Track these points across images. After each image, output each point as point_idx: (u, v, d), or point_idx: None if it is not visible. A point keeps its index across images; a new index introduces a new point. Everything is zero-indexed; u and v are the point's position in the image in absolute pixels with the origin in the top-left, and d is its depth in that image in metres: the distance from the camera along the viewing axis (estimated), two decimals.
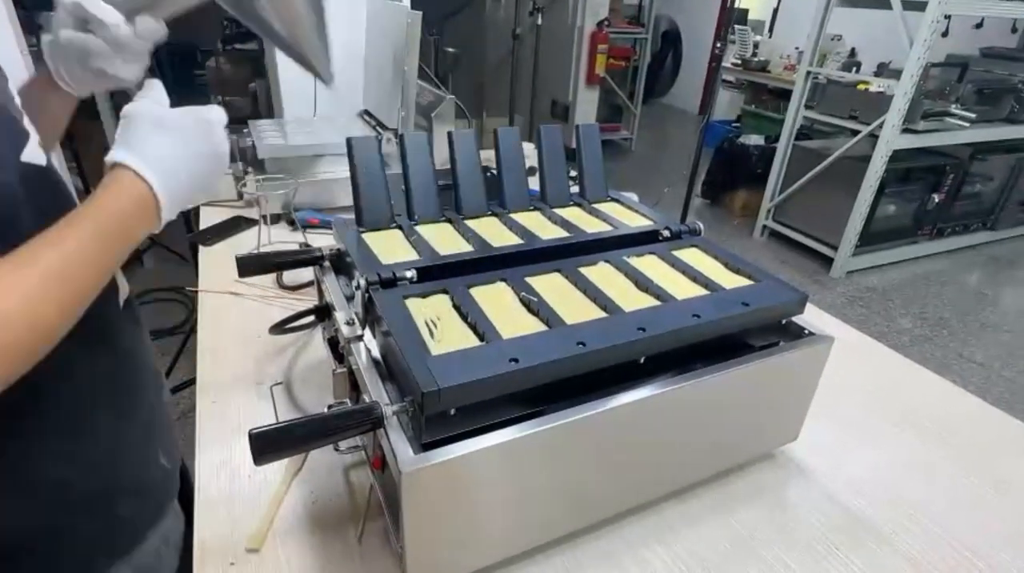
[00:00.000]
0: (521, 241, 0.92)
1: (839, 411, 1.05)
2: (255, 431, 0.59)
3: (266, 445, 0.59)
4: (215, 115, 0.63)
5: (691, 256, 0.94)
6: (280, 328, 1.03)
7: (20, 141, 0.53)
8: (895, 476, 0.92)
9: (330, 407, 0.66)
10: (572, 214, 1.05)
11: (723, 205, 4.87)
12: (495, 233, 0.95)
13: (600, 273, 0.86)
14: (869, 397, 1.10)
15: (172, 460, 0.78)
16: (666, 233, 0.99)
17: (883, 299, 3.60)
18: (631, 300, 0.78)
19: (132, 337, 0.72)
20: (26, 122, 0.57)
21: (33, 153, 0.55)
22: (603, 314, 0.75)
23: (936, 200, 3.90)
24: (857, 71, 4.43)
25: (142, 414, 0.72)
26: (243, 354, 1.10)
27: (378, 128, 1.84)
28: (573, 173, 1.14)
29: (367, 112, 2.03)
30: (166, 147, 0.58)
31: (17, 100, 0.60)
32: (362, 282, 0.76)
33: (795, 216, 4.10)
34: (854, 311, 3.45)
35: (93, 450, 0.65)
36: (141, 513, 0.72)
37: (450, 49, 3.75)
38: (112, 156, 0.56)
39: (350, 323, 0.79)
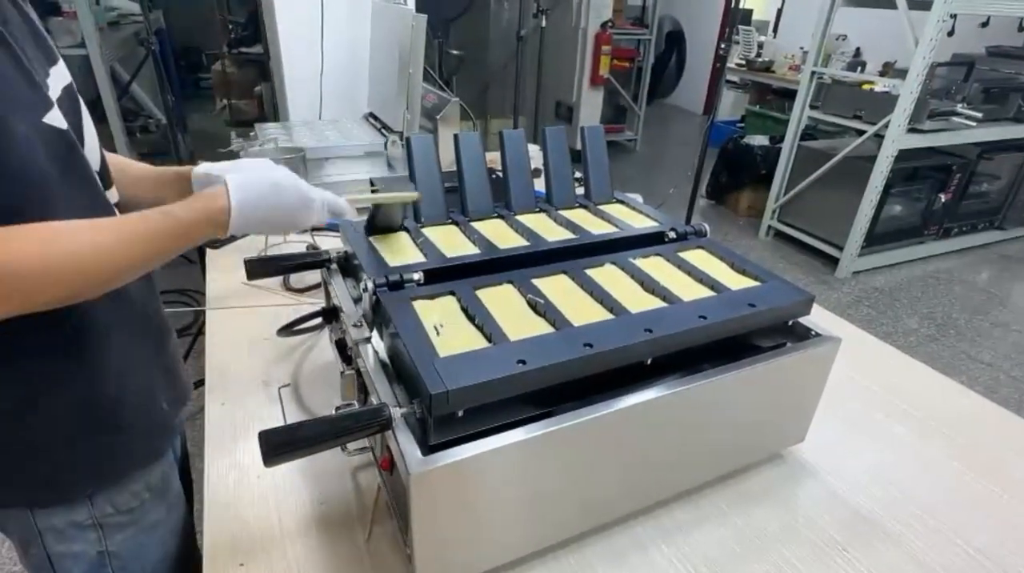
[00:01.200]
0: (527, 243, 0.93)
1: (846, 411, 1.05)
2: (265, 432, 0.59)
3: (275, 446, 0.59)
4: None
5: (697, 257, 0.94)
6: (288, 330, 1.04)
7: (45, 107, 0.62)
8: (902, 476, 0.92)
9: (338, 409, 0.66)
10: (578, 216, 1.06)
11: (728, 205, 4.86)
12: (501, 235, 0.96)
13: (606, 275, 0.87)
14: (876, 397, 1.10)
15: (173, 405, 0.81)
16: (672, 234, 0.99)
17: (890, 299, 3.58)
18: (637, 302, 0.78)
19: (139, 286, 0.77)
20: (50, 92, 0.64)
21: (55, 118, 0.63)
22: (610, 316, 0.75)
23: (943, 200, 3.88)
24: (862, 71, 4.42)
25: (146, 353, 0.77)
26: (251, 356, 1.11)
27: (383, 130, 1.85)
28: (578, 174, 1.14)
29: (372, 114, 2.04)
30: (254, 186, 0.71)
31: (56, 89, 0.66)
32: (370, 284, 0.76)
33: (800, 216, 4.09)
34: (860, 311, 3.43)
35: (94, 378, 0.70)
36: (129, 449, 0.75)
37: (454, 51, 3.75)
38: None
39: (358, 325, 0.79)
